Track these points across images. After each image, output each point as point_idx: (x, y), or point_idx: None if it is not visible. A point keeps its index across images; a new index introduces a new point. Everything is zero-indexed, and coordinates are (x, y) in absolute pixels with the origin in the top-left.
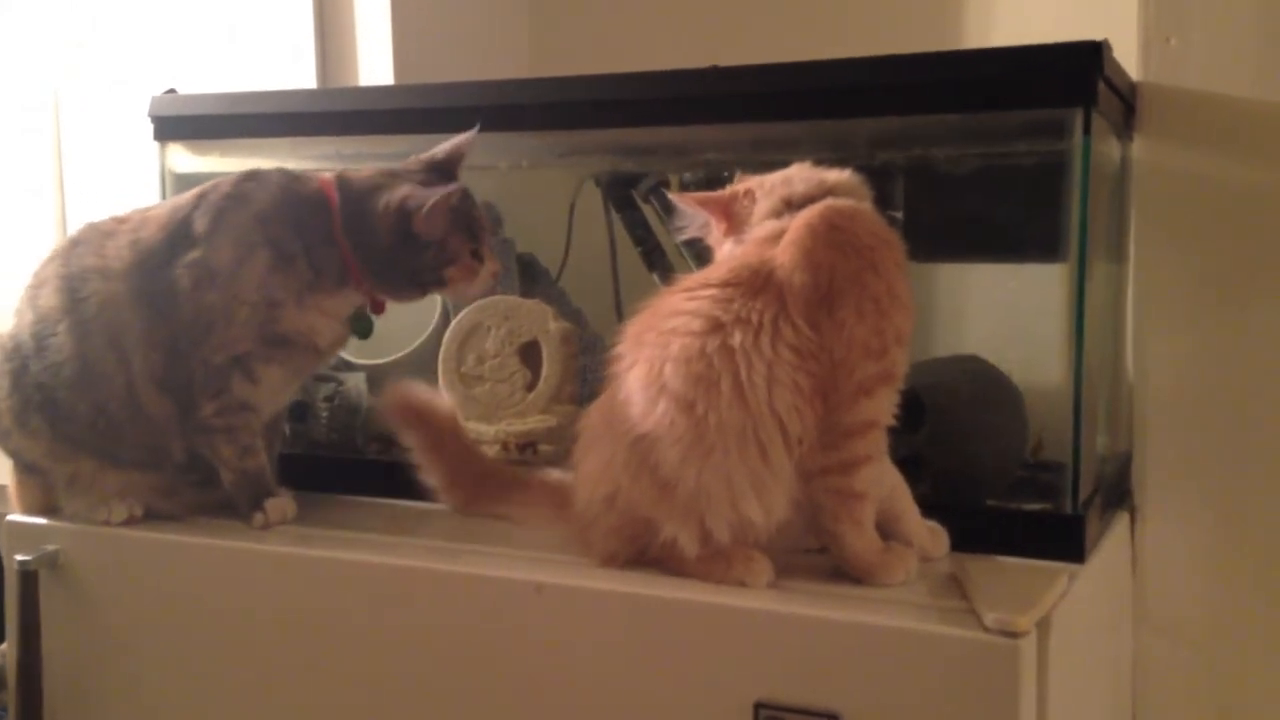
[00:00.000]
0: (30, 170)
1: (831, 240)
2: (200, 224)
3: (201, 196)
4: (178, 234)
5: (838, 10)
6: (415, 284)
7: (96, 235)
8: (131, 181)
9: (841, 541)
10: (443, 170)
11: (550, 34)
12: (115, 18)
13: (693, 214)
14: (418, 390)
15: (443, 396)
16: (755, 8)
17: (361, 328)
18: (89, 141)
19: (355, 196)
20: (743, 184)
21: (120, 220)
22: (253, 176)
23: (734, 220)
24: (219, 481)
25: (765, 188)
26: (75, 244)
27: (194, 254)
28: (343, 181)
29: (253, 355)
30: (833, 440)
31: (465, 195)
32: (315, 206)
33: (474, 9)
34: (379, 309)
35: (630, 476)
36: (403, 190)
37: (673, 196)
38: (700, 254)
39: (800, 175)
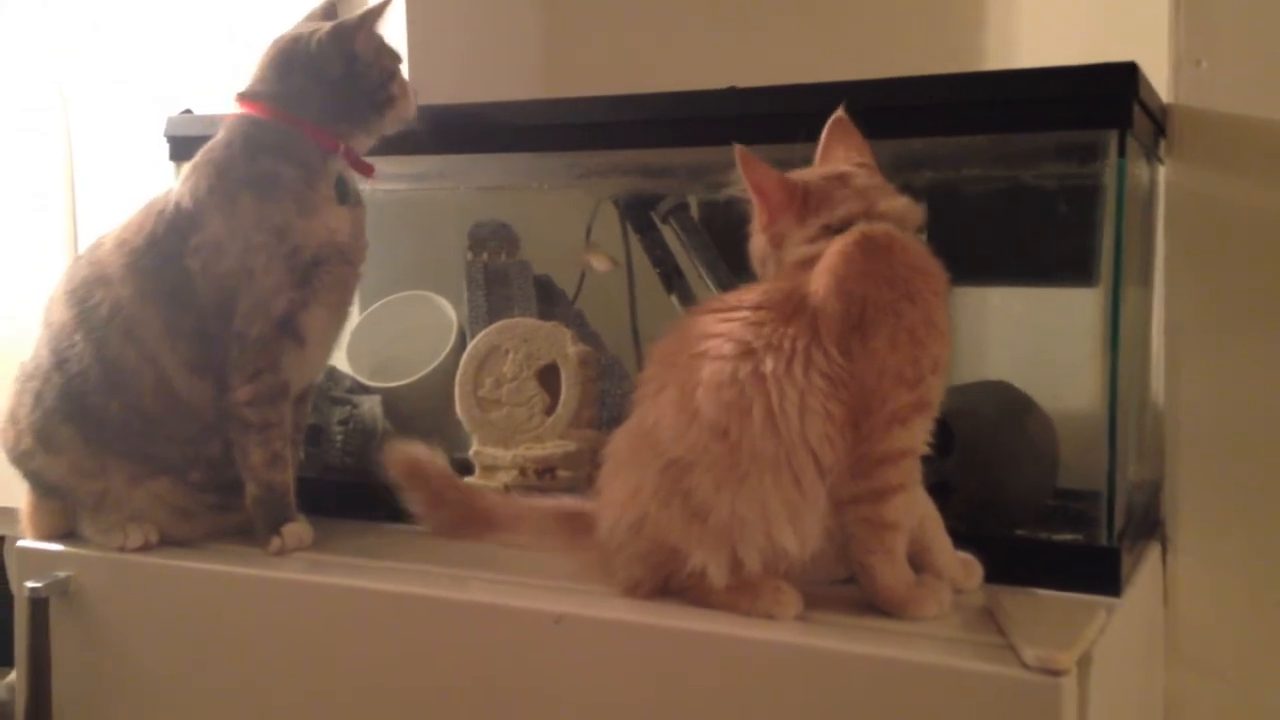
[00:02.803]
0: (39, 170)
1: (866, 270)
2: (188, 208)
3: (183, 182)
4: (172, 225)
5: (857, 31)
6: (371, 106)
7: (89, 249)
8: (144, 181)
9: (872, 573)
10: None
11: (566, 54)
12: (123, 16)
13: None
14: (414, 449)
15: (432, 452)
16: (773, 28)
17: (343, 191)
18: (99, 141)
19: (273, 69)
20: (809, 175)
21: (104, 235)
22: (202, 152)
23: (779, 219)
24: (236, 505)
25: (820, 195)
26: (76, 259)
27: (195, 239)
28: (248, 89)
29: (294, 308)
30: (864, 468)
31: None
32: (249, 126)
33: (489, 29)
34: (368, 171)
35: (659, 503)
36: (321, 25)
37: (740, 152)
38: (721, 278)
39: (856, 186)
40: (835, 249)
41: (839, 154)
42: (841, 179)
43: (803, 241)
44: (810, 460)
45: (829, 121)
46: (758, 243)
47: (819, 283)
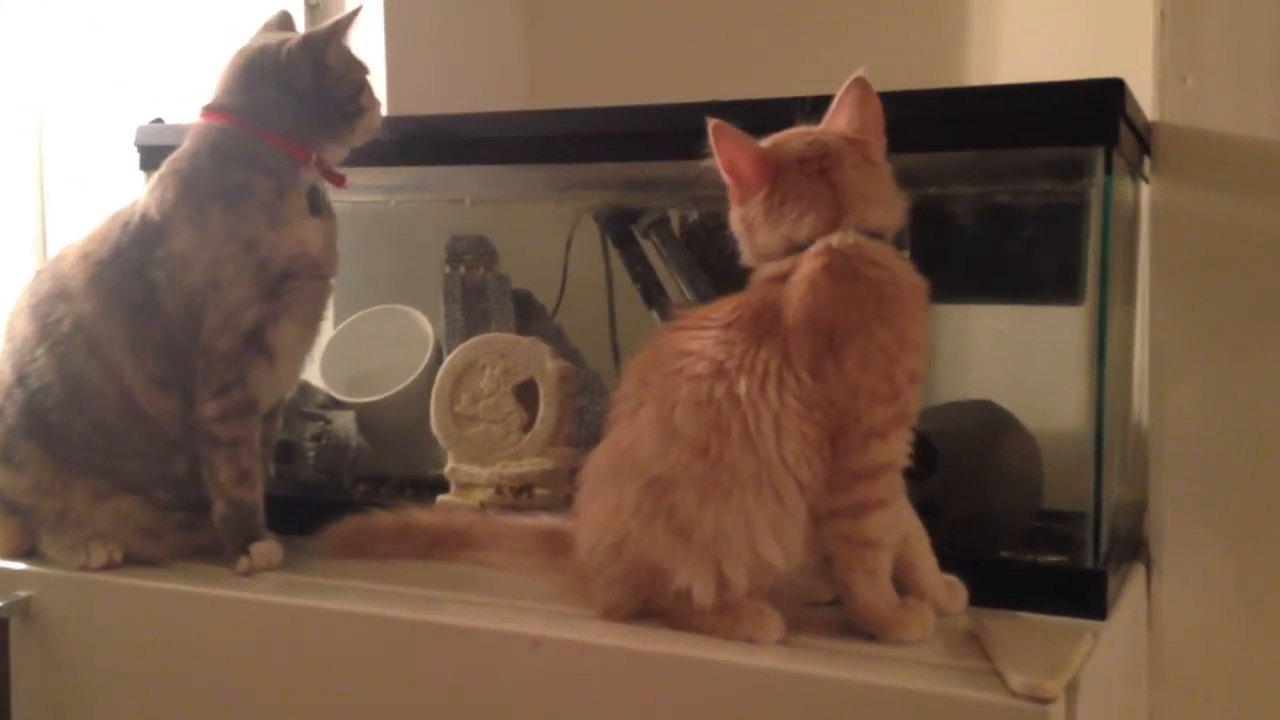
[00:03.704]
0: (11, 192)
1: (833, 296)
2: (155, 220)
3: (148, 194)
4: (137, 237)
5: (840, 45)
6: (342, 117)
7: (52, 261)
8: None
9: (852, 591)
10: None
11: (548, 66)
12: (101, 40)
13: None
14: (349, 523)
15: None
16: (756, 42)
17: (314, 200)
18: (72, 162)
19: (240, 81)
20: (792, 147)
21: (68, 246)
22: (167, 164)
23: (748, 199)
24: (204, 524)
25: (791, 183)
26: (38, 273)
27: (161, 251)
28: (215, 102)
29: (263, 322)
30: (842, 483)
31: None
32: (217, 136)
33: (470, 40)
34: (339, 182)
35: (641, 523)
36: (292, 35)
37: (714, 125)
38: (702, 293)
39: (832, 182)
40: (803, 274)
41: (842, 120)
42: (822, 166)
43: (773, 248)
44: (790, 477)
45: (848, 80)
46: (735, 215)
47: (789, 310)
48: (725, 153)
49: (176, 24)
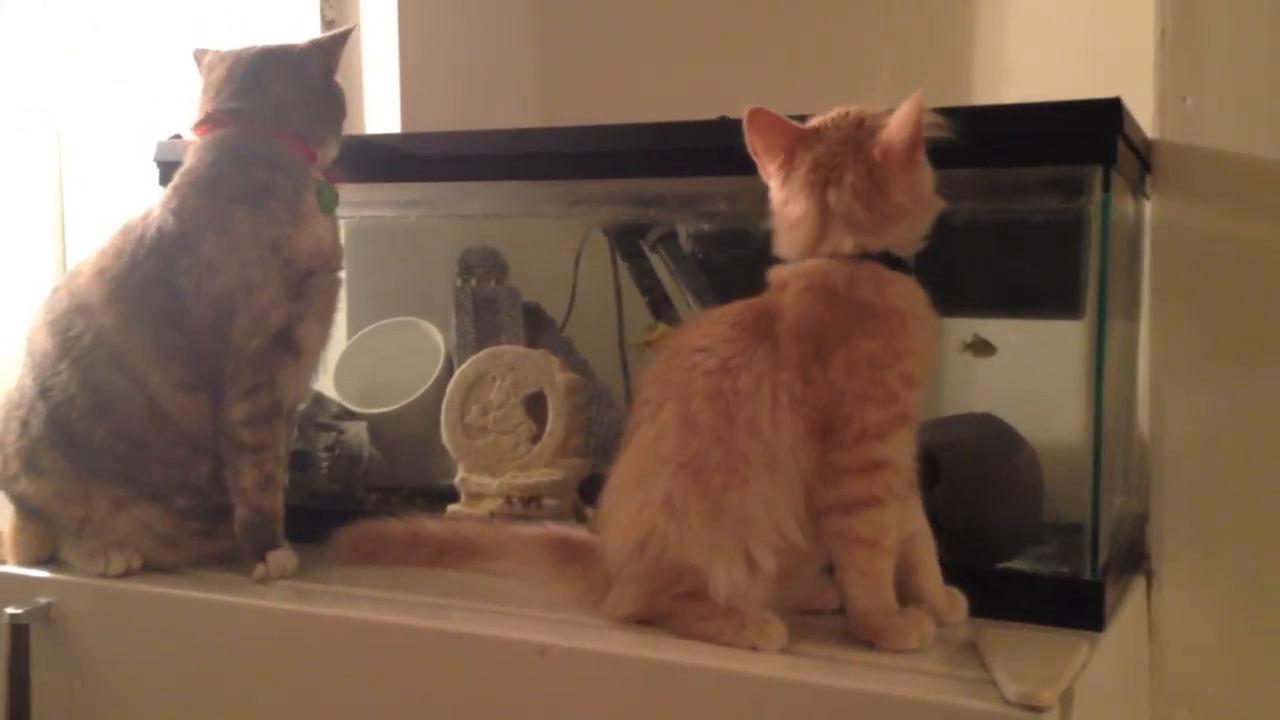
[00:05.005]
0: (30, 196)
1: (815, 312)
2: (173, 231)
3: (163, 206)
4: (155, 248)
5: (847, 63)
6: (341, 117)
7: (67, 278)
8: (112, 197)
9: (849, 594)
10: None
11: (558, 83)
12: (101, 40)
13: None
14: (360, 527)
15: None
16: (764, 60)
17: (327, 198)
18: (72, 162)
19: (248, 83)
20: (820, 147)
21: (81, 262)
22: (181, 175)
23: (775, 158)
24: (222, 532)
25: (792, 183)
26: (56, 289)
27: (185, 261)
28: (224, 107)
29: (290, 321)
30: (834, 477)
31: None
32: (235, 140)
33: (482, 58)
34: (333, 180)
35: (669, 514)
36: (296, 44)
37: (749, 110)
38: (709, 306)
39: (829, 204)
40: (790, 293)
41: (889, 125)
42: (827, 178)
43: (778, 246)
44: (794, 464)
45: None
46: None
47: (780, 321)
48: (751, 141)
49: (177, 24)
